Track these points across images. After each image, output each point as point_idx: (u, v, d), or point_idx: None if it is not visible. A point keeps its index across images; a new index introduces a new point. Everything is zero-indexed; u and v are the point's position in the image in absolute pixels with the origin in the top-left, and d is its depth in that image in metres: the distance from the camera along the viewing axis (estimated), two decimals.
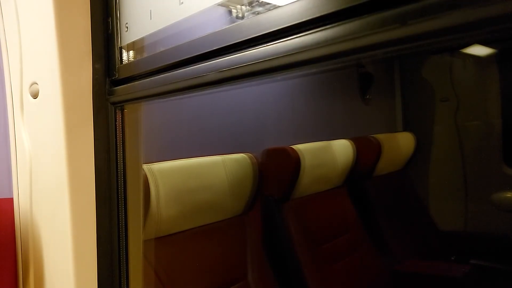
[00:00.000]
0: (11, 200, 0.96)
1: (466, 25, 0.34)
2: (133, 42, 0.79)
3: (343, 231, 1.77)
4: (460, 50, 2.09)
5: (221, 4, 0.59)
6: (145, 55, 0.77)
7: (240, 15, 0.76)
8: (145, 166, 1.12)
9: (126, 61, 0.81)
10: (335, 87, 2.23)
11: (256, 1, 0.60)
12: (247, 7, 0.64)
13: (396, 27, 0.38)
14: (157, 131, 1.43)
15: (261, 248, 1.46)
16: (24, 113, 0.91)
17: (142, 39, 0.77)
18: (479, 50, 2.10)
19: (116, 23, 0.80)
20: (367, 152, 1.92)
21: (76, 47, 0.79)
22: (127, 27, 0.79)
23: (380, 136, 1.98)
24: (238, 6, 0.74)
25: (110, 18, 0.81)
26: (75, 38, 0.78)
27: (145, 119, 0.88)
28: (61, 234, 0.81)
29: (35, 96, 0.85)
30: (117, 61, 0.81)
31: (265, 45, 0.51)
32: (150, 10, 0.72)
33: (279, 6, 0.49)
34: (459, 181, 2.15)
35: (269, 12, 0.50)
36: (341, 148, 1.80)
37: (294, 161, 1.53)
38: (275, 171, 1.57)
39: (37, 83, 0.84)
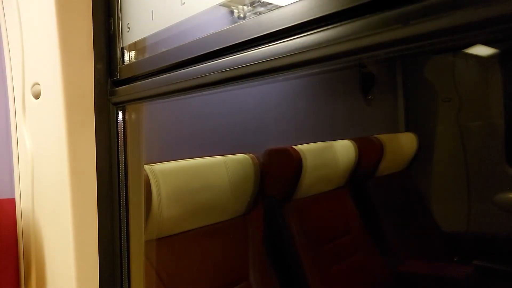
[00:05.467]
0: (13, 201, 0.96)
1: (468, 25, 0.34)
2: (135, 43, 0.79)
3: (345, 231, 1.76)
4: (463, 50, 2.08)
5: (223, 5, 0.59)
6: (147, 55, 0.77)
7: (242, 15, 0.76)
8: (147, 167, 1.12)
9: (128, 61, 0.81)
10: (337, 87, 2.22)
11: (258, 1, 0.60)
12: (249, 7, 0.64)
13: (398, 27, 0.38)
14: (158, 132, 1.43)
15: (263, 249, 1.46)
16: (26, 113, 0.91)
17: (143, 40, 0.77)
18: (481, 50, 2.09)
19: (118, 23, 0.80)
20: (369, 152, 1.91)
21: (78, 47, 0.79)
22: (128, 28, 0.79)
23: (382, 137, 1.97)
24: (240, 7, 0.74)
25: (112, 19, 0.81)
26: (77, 39, 0.78)
27: (146, 119, 0.88)
28: (63, 234, 0.81)
29: (37, 96, 0.85)
30: (118, 61, 0.81)
31: (267, 45, 0.51)
32: (152, 11, 0.72)
33: (280, 6, 0.49)
34: (461, 181, 2.15)
35: (271, 12, 0.50)
36: (343, 149, 1.80)
37: (295, 162, 1.53)
38: (277, 171, 1.57)
39: (39, 84, 0.84)
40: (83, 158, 0.80)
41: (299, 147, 1.58)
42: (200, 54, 0.61)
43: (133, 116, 0.85)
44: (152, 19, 0.72)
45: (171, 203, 1.15)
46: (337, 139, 1.83)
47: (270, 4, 0.55)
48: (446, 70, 2.23)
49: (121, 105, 0.83)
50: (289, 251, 1.53)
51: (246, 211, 1.42)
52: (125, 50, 0.81)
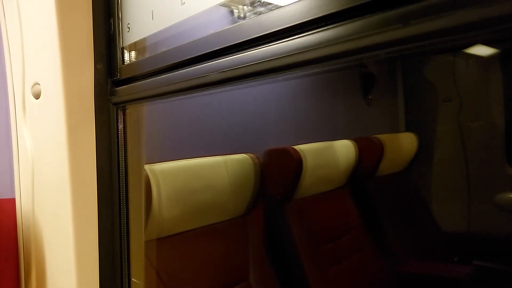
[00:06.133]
0: (13, 201, 0.96)
1: (468, 25, 0.34)
2: (135, 43, 0.79)
3: (345, 231, 1.76)
4: (463, 50, 2.08)
5: (222, 5, 0.59)
6: (147, 55, 0.77)
7: (242, 15, 0.76)
8: (147, 167, 1.12)
9: (128, 61, 0.81)
10: (337, 87, 2.22)
11: (258, 1, 0.60)
12: (249, 7, 0.64)
13: (398, 27, 0.38)
14: (158, 131, 1.43)
15: (263, 249, 1.46)
16: (26, 113, 0.91)
17: (144, 40, 0.77)
18: (482, 50, 2.09)
19: (118, 23, 0.80)
20: (369, 152, 1.91)
21: (78, 47, 0.79)
22: (129, 28, 0.79)
23: (383, 137, 1.97)
24: (240, 6, 0.74)
25: (112, 19, 0.81)
26: (77, 39, 0.78)
27: (146, 119, 0.88)
28: (63, 234, 0.81)
29: (37, 96, 0.85)
30: (119, 61, 0.81)
31: (267, 45, 0.50)
32: (152, 11, 0.72)
33: (281, 6, 0.49)
34: (462, 181, 2.15)
35: (271, 12, 0.50)
36: (343, 149, 1.80)
37: (296, 162, 1.53)
38: (277, 171, 1.57)
39: (39, 84, 0.84)
40: (83, 158, 0.80)
41: (299, 147, 1.58)
42: (200, 54, 0.61)
43: (133, 116, 0.85)
44: (152, 19, 0.72)
45: (171, 203, 1.15)
46: (337, 139, 1.83)
47: (270, 4, 0.55)
48: (446, 70, 2.23)
49: (121, 105, 0.83)
50: (289, 251, 1.53)
51: (246, 211, 1.42)
52: (125, 50, 0.81)
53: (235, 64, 0.55)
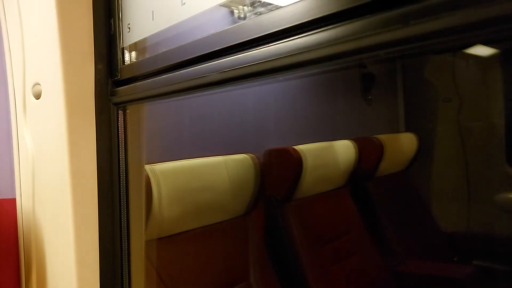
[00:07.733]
0: (13, 201, 0.96)
1: (468, 25, 0.34)
2: (135, 43, 0.79)
3: (346, 231, 1.76)
4: (463, 50, 2.08)
5: (223, 5, 0.59)
6: (147, 55, 0.77)
7: (242, 15, 0.76)
8: (147, 167, 1.12)
9: (128, 61, 0.81)
10: (337, 87, 2.22)
11: (258, 2, 0.60)
12: (249, 7, 0.64)
13: (398, 27, 0.38)
14: (159, 131, 1.43)
15: (263, 249, 1.46)
16: (26, 113, 0.91)
17: (144, 40, 0.77)
18: (482, 50, 2.09)
19: (119, 23, 0.80)
20: (369, 152, 1.91)
21: (78, 47, 0.79)
22: (129, 28, 0.79)
23: (383, 137, 1.97)
24: (240, 7, 0.74)
25: (112, 19, 0.81)
26: (78, 39, 0.78)
27: (147, 119, 0.88)
28: (64, 234, 0.81)
29: (37, 96, 0.86)
30: (119, 61, 0.81)
31: (267, 45, 0.51)
32: (152, 11, 0.72)
33: (281, 7, 0.49)
34: (462, 181, 2.15)
35: (271, 12, 0.50)
36: (343, 149, 1.80)
37: (296, 162, 1.53)
38: (277, 171, 1.57)
39: (39, 84, 0.85)
40: (83, 158, 0.80)
41: (300, 147, 1.58)
42: (200, 54, 0.61)
43: (133, 116, 0.86)
44: (153, 19, 0.72)
45: (171, 203, 1.15)
46: (338, 139, 1.83)
47: (270, 4, 0.55)
48: (446, 70, 2.23)
49: (121, 105, 0.83)
50: (289, 251, 1.53)
51: (246, 211, 1.42)
52: (125, 51, 0.81)
53: (236, 65, 0.55)
